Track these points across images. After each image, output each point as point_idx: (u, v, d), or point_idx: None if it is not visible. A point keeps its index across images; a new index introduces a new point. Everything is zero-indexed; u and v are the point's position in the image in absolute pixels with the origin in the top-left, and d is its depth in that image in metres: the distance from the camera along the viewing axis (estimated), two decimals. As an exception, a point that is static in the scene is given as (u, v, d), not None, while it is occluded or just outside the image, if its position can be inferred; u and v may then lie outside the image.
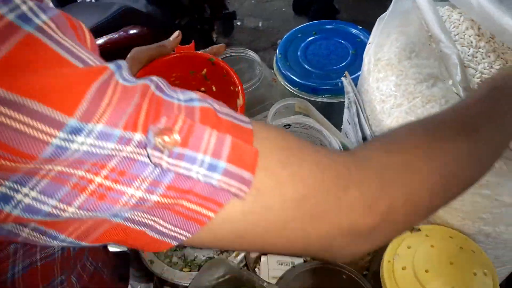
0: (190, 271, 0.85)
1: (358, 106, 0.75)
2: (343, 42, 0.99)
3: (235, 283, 0.84)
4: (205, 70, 0.80)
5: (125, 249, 1.29)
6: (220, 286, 0.83)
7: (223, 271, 0.81)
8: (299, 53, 0.99)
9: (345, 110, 0.87)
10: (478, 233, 0.66)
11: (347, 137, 0.90)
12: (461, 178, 0.41)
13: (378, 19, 0.78)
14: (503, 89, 0.49)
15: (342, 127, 0.92)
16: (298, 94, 0.95)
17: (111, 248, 1.29)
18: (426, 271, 0.59)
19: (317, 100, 0.94)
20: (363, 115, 0.74)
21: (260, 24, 2.97)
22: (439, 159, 0.38)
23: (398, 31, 0.75)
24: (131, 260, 1.45)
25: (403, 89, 0.69)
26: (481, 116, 0.44)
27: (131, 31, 1.36)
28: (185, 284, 0.82)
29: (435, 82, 0.70)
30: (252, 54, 0.98)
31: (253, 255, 0.86)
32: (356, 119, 0.75)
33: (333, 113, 0.93)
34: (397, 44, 0.74)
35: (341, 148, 0.89)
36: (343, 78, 0.80)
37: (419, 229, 0.67)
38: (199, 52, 0.80)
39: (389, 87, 0.70)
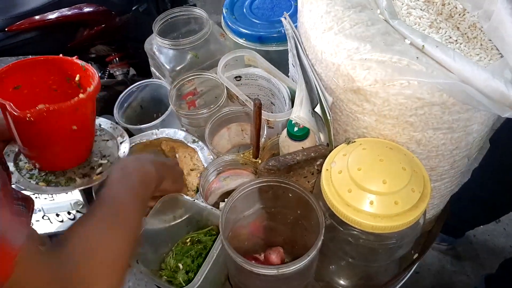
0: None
1: (296, 39, 0.80)
2: (285, -4, 1.04)
3: (192, 222, 0.87)
4: (78, 76, 0.83)
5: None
6: (175, 225, 0.85)
7: (181, 209, 0.84)
8: (244, 8, 1.04)
9: (289, 54, 0.92)
10: (409, 141, 0.71)
11: (293, 81, 0.94)
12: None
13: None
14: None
15: (289, 73, 0.96)
16: (246, 45, 0.99)
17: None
18: (359, 169, 0.63)
19: (264, 49, 0.98)
20: (301, 46, 0.79)
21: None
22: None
23: (327, -32, 0.80)
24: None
25: (333, 15, 0.74)
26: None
27: (85, 9, 1.38)
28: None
29: (363, 9, 0.75)
30: (198, 11, 1.02)
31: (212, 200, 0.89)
32: (295, 51, 0.80)
33: (281, 61, 0.97)
34: (327, -21, 0.79)
35: (289, 92, 0.93)
36: (282, 19, 0.85)
37: (354, 141, 0.71)
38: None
39: (319, 14, 0.74)
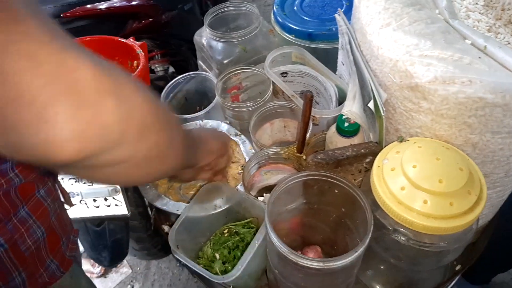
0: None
1: (350, 35, 0.79)
2: (337, -5, 1.03)
3: (231, 213, 0.86)
4: (136, 62, 0.87)
5: (125, 213, 1.32)
6: (214, 215, 0.85)
7: (222, 198, 0.83)
8: (295, 6, 1.04)
9: (339, 52, 0.91)
10: (465, 144, 0.68)
11: (341, 79, 0.93)
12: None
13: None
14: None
15: (337, 71, 0.95)
16: (294, 41, 0.99)
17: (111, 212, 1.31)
18: (414, 166, 0.62)
19: (313, 46, 0.98)
20: (355, 42, 0.78)
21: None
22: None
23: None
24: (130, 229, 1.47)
25: (391, 11, 0.72)
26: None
27: (135, 2, 1.42)
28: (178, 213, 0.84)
29: (422, 8, 0.74)
30: (250, 6, 1.02)
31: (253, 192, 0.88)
32: (348, 47, 0.79)
33: (329, 60, 0.96)
34: (386, -24, 0.78)
35: (336, 90, 0.92)
36: (336, 15, 0.84)
37: (407, 140, 0.69)
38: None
39: (377, 10, 0.73)
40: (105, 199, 1.32)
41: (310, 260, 0.60)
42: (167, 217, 0.93)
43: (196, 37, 1.05)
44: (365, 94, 0.75)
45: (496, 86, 0.61)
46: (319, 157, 0.69)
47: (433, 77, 0.63)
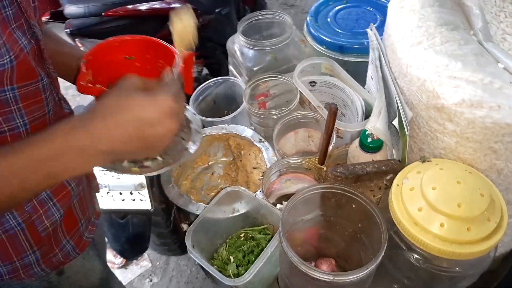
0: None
1: (380, 50, 0.79)
2: (372, 10, 1.03)
3: (248, 218, 0.88)
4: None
5: (148, 208, 1.35)
6: (232, 218, 0.86)
7: (241, 203, 0.85)
8: (329, 17, 1.04)
9: (369, 67, 0.90)
10: (490, 169, 0.67)
11: (369, 93, 0.93)
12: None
13: (406, -25, 0.82)
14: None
15: (366, 85, 0.95)
16: (325, 53, 1.00)
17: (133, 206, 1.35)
18: (433, 188, 0.61)
19: (344, 59, 0.98)
20: (384, 58, 0.78)
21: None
22: None
23: (423, -16, 0.79)
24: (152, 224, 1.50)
25: (424, 30, 0.72)
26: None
27: (174, 4, 1.46)
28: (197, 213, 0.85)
29: (456, 28, 0.73)
30: (283, 15, 1.04)
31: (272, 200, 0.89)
32: (378, 62, 0.78)
33: (359, 73, 0.96)
34: (421, -6, 0.77)
35: (363, 104, 0.92)
36: (368, 29, 0.84)
37: (430, 160, 0.69)
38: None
39: (410, 28, 0.73)
40: (131, 193, 1.36)
41: (320, 273, 0.60)
42: (187, 216, 0.96)
43: (228, 43, 1.07)
44: (391, 111, 0.75)
45: (525, 113, 0.59)
46: (338, 170, 0.70)
47: (460, 99, 0.63)
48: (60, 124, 0.53)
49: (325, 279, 0.60)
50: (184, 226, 0.96)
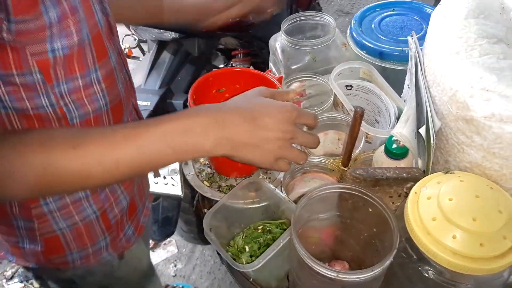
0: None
1: (417, 58, 0.78)
2: (419, 19, 1.02)
3: (268, 212, 0.89)
4: None
5: (179, 193, 1.40)
6: (251, 209, 0.88)
7: (262, 195, 0.86)
8: (373, 23, 1.04)
9: (407, 75, 0.89)
10: (516, 189, 0.65)
11: (405, 102, 0.92)
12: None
13: (453, -14, 0.81)
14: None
15: (402, 94, 0.94)
16: (365, 58, 0.99)
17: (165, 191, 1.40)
18: (450, 199, 0.60)
19: (383, 65, 0.97)
20: (421, 66, 0.77)
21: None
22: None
23: (470, -5, 0.77)
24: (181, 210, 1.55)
25: (463, 41, 0.70)
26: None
27: (227, 1, 1.50)
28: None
29: (497, 42, 0.71)
30: (327, 17, 1.04)
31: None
32: (413, 69, 0.78)
33: (398, 81, 0.95)
34: (467, 5, 0.76)
35: (396, 112, 0.91)
36: (408, 37, 0.83)
37: (453, 173, 0.67)
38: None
39: (450, 38, 0.72)
40: (164, 177, 1.41)
41: (324, 268, 0.61)
42: (210, 203, 0.98)
43: (271, 41, 1.10)
44: (421, 119, 0.74)
45: (557, 133, 0.57)
46: (357, 172, 0.70)
47: (490, 112, 0.61)
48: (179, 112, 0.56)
49: (329, 275, 0.61)
50: (206, 211, 0.98)
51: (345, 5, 3.41)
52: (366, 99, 1.00)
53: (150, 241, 1.94)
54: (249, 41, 1.90)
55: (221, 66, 1.92)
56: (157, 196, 1.47)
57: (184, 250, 1.95)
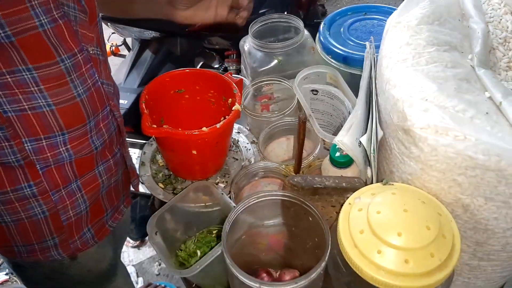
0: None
1: (371, 64, 0.76)
2: (390, 24, 0.99)
3: (223, 216, 0.88)
4: (230, 99, 0.89)
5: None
6: (206, 213, 0.87)
7: (211, 198, 0.85)
8: (342, 27, 1.02)
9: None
10: (455, 203, 0.62)
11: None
12: None
13: (413, -10, 0.78)
14: None
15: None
16: (331, 63, 0.97)
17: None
18: (378, 212, 0.58)
19: (349, 71, 0.95)
20: (374, 73, 0.75)
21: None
22: None
23: (428, 1, 0.75)
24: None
25: (412, 48, 0.68)
26: None
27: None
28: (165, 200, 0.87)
29: (449, 49, 0.68)
30: (296, 19, 1.03)
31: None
32: (366, 75, 0.76)
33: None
34: (422, 11, 0.73)
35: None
36: (367, 42, 0.81)
37: (392, 184, 0.65)
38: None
39: (399, 44, 0.69)
40: (141, 176, 1.41)
41: (247, 278, 0.59)
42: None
43: (240, 43, 1.08)
44: (368, 127, 0.72)
45: (491, 148, 0.55)
46: (295, 179, 0.68)
47: (426, 124, 0.59)
48: None
49: (252, 285, 0.59)
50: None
51: (351, 8, 3.36)
52: (332, 105, 0.98)
53: (132, 241, 1.93)
54: (239, 41, 1.89)
55: (216, 66, 1.91)
56: (134, 195, 1.47)
57: (169, 249, 1.96)
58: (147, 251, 1.95)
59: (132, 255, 1.93)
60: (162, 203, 0.99)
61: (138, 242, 1.96)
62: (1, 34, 0.55)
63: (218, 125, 0.78)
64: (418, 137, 0.60)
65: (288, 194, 0.68)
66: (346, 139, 0.68)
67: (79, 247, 0.80)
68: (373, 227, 0.57)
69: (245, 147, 0.98)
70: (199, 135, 0.78)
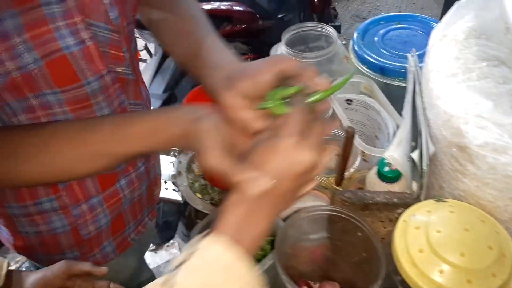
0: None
1: (415, 77, 0.75)
2: (424, 33, 0.99)
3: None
4: None
5: (179, 199, 1.39)
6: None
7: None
8: (376, 37, 1.01)
9: (407, 93, 0.87)
10: (511, 221, 0.62)
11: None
12: None
13: (456, 3, 0.78)
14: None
15: (402, 111, 0.91)
16: (366, 72, 0.97)
17: (166, 195, 1.40)
18: (438, 231, 0.57)
19: (385, 81, 0.95)
20: (419, 86, 0.74)
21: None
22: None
23: (473, 14, 0.74)
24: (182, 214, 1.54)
25: (462, 62, 0.68)
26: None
27: (235, 7, 1.49)
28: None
29: (498, 64, 0.68)
30: (330, 29, 1.02)
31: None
32: (411, 88, 0.75)
33: (399, 98, 0.92)
34: (468, 24, 0.73)
35: (396, 129, 0.88)
36: (408, 54, 0.81)
37: (445, 201, 0.65)
38: None
39: (447, 58, 0.69)
40: (165, 182, 1.41)
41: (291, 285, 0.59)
42: (204, 215, 0.98)
43: (272, 51, 1.08)
44: (418, 143, 0.72)
45: (554, 167, 0.54)
46: (346, 195, 0.68)
47: (484, 141, 0.59)
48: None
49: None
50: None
51: (362, 10, 3.35)
52: (367, 115, 0.98)
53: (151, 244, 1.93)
54: (258, 46, 1.89)
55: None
56: (157, 201, 1.47)
57: (186, 253, 1.96)
58: (164, 255, 1.95)
59: (149, 259, 1.93)
60: (198, 212, 0.99)
61: (155, 246, 1.96)
62: (28, 59, 0.51)
63: None
64: (476, 154, 0.60)
65: (338, 209, 0.68)
66: (397, 154, 0.68)
67: (99, 260, 0.79)
68: (433, 246, 0.57)
69: None
70: None
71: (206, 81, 0.56)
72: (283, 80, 0.47)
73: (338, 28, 2.65)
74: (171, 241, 1.92)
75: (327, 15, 2.39)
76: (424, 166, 0.66)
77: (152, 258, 1.94)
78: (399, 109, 0.91)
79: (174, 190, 1.49)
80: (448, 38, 0.73)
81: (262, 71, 0.47)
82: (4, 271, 0.65)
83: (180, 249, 1.96)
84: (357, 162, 0.84)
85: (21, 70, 0.51)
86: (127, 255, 0.86)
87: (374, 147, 0.96)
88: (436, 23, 1.01)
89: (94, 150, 0.50)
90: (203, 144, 0.45)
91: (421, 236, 0.59)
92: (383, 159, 0.70)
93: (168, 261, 1.93)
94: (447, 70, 0.68)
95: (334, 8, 2.68)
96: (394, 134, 0.87)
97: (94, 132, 0.51)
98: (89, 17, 0.55)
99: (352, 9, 3.39)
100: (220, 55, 0.59)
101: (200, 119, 0.47)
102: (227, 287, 0.39)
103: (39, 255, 0.76)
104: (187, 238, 1.71)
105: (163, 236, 1.54)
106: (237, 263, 0.40)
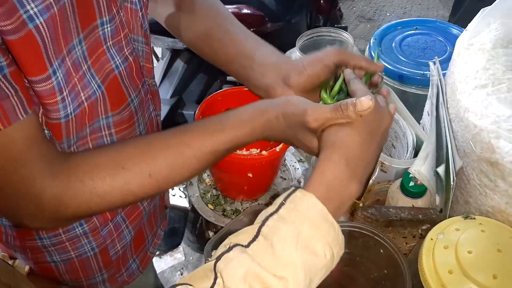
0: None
1: (439, 87, 0.73)
2: (443, 40, 0.96)
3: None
4: None
5: (186, 205, 1.37)
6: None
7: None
8: (394, 43, 0.99)
9: (427, 102, 0.84)
10: (542, 240, 0.59)
11: (423, 130, 0.87)
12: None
13: (481, 10, 0.75)
14: None
15: (421, 120, 0.89)
16: (384, 80, 0.94)
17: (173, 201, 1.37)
18: (469, 252, 0.55)
19: (403, 89, 0.92)
20: (443, 97, 0.72)
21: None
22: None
23: (500, 22, 0.72)
24: (188, 220, 1.52)
25: (490, 73, 0.65)
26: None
27: (244, 10, 1.46)
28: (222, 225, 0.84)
29: (529, 75, 0.65)
30: (346, 34, 0.99)
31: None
32: (435, 99, 0.73)
33: (418, 106, 0.90)
34: (495, 33, 0.70)
35: (414, 140, 0.86)
36: (430, 62, 0.78)
37: (474, 218, 0.62)
38: None
39: (476, 69, 0.67)
40: (172, 188, 1.38)
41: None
42: (215, 226, 0.95)
43: (286, 55, 1.05)
44: (441, 155, 0.69)
45: None
46: (369, 211, 0.65)
47: (517, 158, 0.56)
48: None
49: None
50: (210, 234, 0.95)
51: (367, 11, 3.32)
52: (383, 123, 0.95)
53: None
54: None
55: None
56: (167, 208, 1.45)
57: (191, 258, 1.93)
58: (169, 260, 1.93)
59: (154, 264, 1.91)
60: (209, 223, 0.96)
61: (159, 252, 1.93)
62: (95, 86, 0.50)
63: (277, 148, 0.75)
64: (508, 171, 0.57)
65: (360, 225, 0.65)
66: (424, 169, 0.65)
67: (125, 279, 0.78)
68: (464, 268, 0.54)
69: (293, 166, 0.95)
70: (258, 159, 0.75)
71: (259, 80, 0.62)
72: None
73: (344, 29, 2.62)
74: (176, 245, 1.89)
75: (333, 16, 2.37)
76: (451, 182, 0.63)
77: (156, 264, 1.91)
78: (417, 117, 0.89)
79: (180, 196, 1.47)
80: (474, 47, 0.70)
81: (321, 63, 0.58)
82: None
83: (184, 254, 1.94)
84: (375, 173, 0.81)
85: (91, 98, 0.50)
86: (147, 272, 0.85)
87: (390, 156, 0.93)
88: (456, 28, 0.98)
89: (197, 148, 0.50)
90: (303, 107, 0.49)
91: (450, 256, 0.56)
92: (407, 173, 0.68)
93: (172, 267, 1.91)
94: (476, 81, 0.66)
95: (339, 9, 2.65)
96: (413, 143, 0.85)
97: (190, 132, 0.51)
98: (131, 32, 0.55)
99: (357, 10, 3.36)
100: (266, 53, 0.66)
101: (287, 98, 0.52)
102: (313, 242, 0.42)
103: (66, 283, 0.73)
104: (192, 244, 1.69)
105: (169, 243, 1.51)
106: (322, 221, 0.43)
